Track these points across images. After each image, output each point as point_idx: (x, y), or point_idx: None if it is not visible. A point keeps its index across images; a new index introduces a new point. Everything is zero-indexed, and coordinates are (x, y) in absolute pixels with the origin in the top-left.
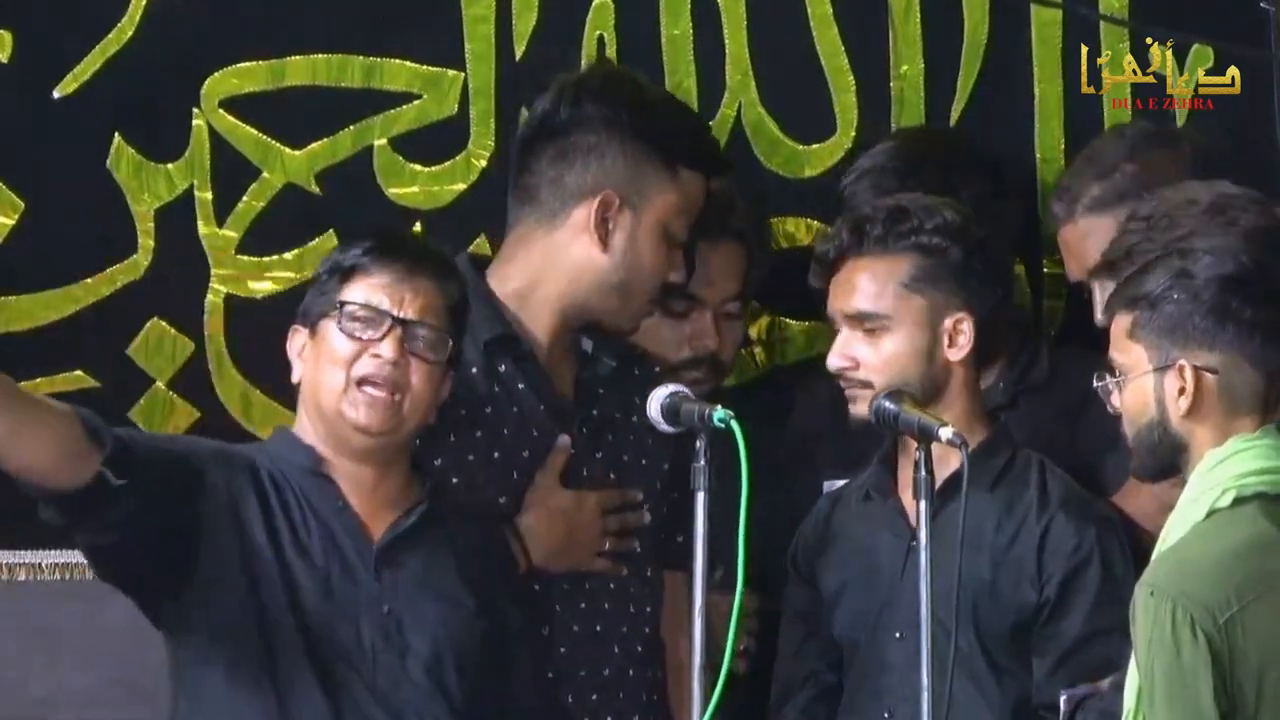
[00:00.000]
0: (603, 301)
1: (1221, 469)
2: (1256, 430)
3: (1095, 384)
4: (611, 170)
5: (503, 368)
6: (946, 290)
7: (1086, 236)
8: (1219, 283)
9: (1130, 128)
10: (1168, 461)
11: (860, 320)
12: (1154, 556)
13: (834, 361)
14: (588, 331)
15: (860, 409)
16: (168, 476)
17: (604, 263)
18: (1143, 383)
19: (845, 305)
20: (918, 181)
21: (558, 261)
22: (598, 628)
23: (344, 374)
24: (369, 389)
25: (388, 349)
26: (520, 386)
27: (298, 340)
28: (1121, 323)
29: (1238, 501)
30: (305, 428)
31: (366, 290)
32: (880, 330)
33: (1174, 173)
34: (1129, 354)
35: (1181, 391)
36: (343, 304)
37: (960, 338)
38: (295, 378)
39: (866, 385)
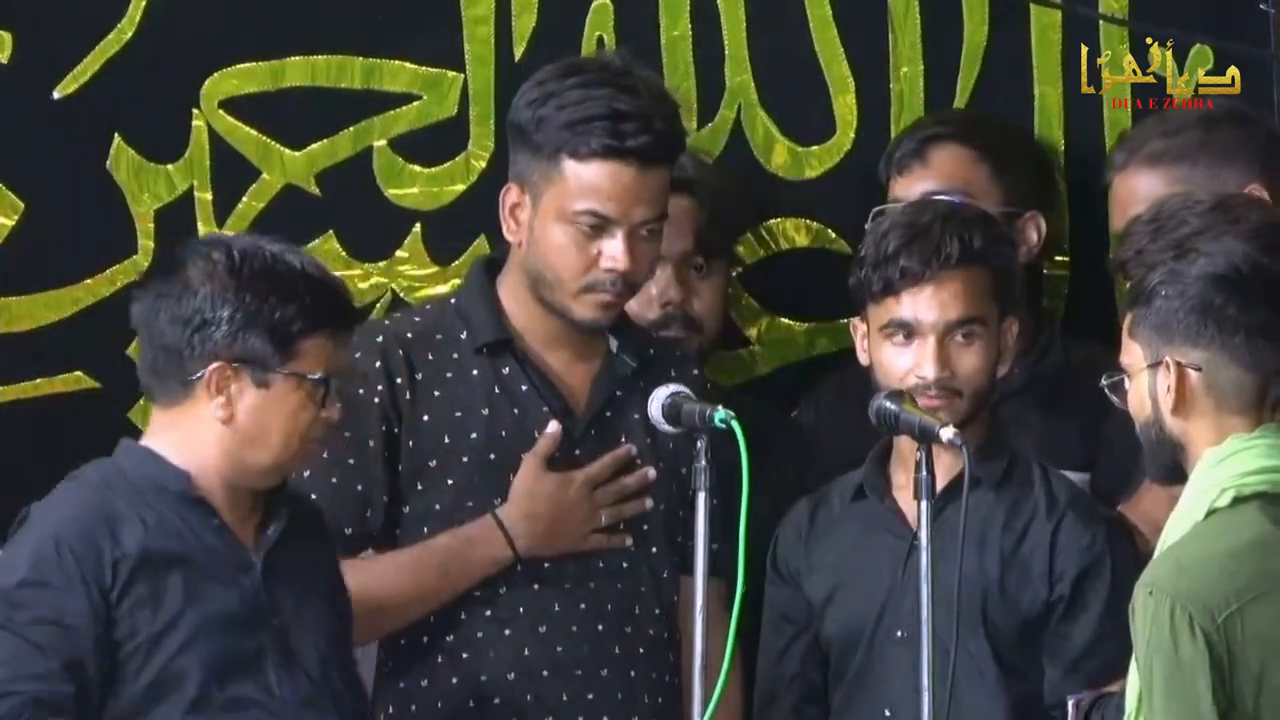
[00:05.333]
0: (538, 291)
1: (1221, 468)
2: (1253, 429)
3: (1103, 382)
4: (517, 163)
5: (506, 370)
6: (1007, 297)
7: (1136, 189)
8: (1205, 280)
9: (1215, 100)
10: (1169, 461)
11: (961, 327)
12: (1154, 556)
13: (932, 370)
14: (615, 331)
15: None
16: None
17: (522, 253)
18: (1140, 380)
19: (951, 314)
20: None
21: (512, 256)
22: (599, 626)
23: (307, 424)
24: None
25: (337, 413)
26: (523, 388)
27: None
28: (1125, 322)
29: (1237, 501)
30: (183, 450)
31: (315, 356)
32: (973, 338)
33: (1239, 152)
34: (1130, 353)
35: (1169, 388)
36: (300, 375)
37: (1009, 339)
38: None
39: (957, 394)
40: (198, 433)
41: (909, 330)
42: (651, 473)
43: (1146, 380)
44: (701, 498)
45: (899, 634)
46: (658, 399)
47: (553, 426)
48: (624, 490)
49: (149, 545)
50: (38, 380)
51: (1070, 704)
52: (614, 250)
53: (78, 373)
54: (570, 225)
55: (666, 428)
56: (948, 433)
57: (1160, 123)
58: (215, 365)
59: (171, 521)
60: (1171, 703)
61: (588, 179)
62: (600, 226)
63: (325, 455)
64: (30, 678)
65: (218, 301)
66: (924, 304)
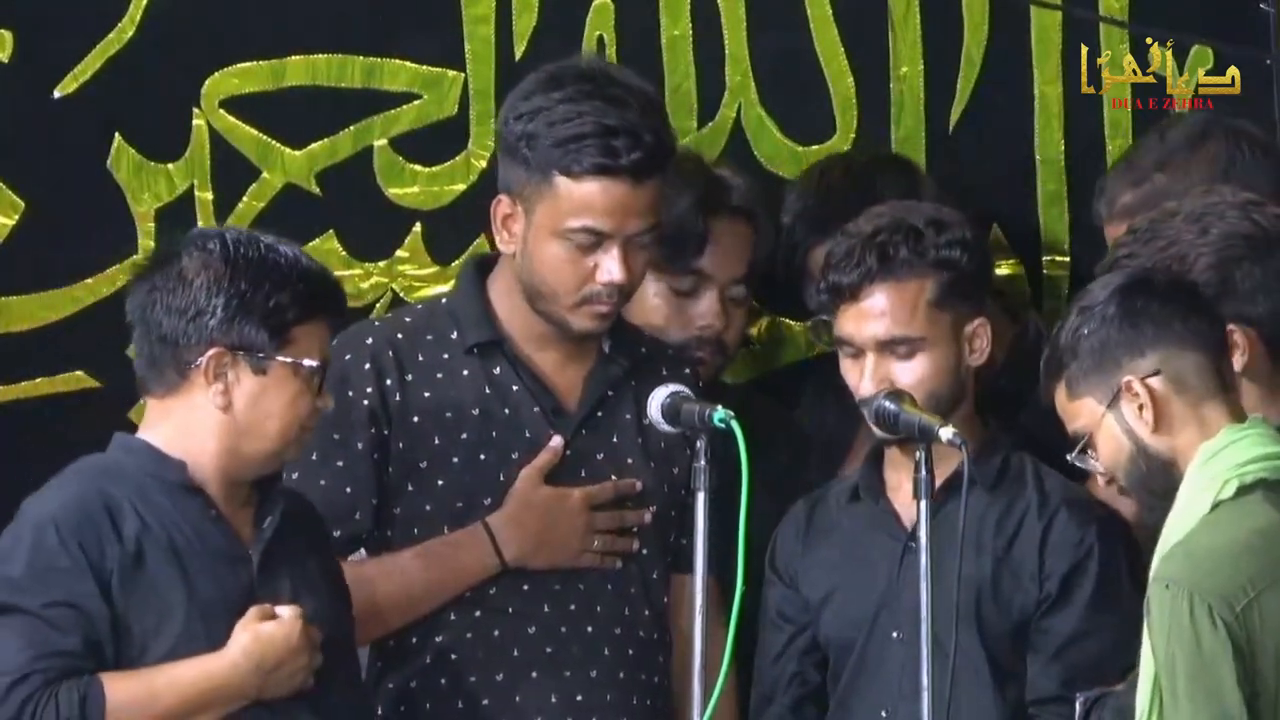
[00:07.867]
0: (533, 302)
1: (1218, 461)
2: (1230, 414)
3: (1071, 459)
4: (508, 175)
5: (497, 370)
6: (966, 300)
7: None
8: (1117, 293)
9: (1171, 130)
10: (1163, 486)
11: (894, 345)
12: (1157, 554)
13: (869, 388)
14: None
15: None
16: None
17: (515, 262)
18: (1106, 428)
19: (877, 332)
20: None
21: (505, 258)
22: (589, 628)
23: (305, 411)
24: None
25: (330, 402)
26: (514, 389)
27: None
28: (1060, 394)
29: (1241, 491)
30: (179, 440)
31: (309, 343)
32: (914, 351)
33: (1204, 175)
34: (1079, 416)
35: (1141, 408)
36: (297, 362)
37: (979, 342)
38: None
39: None
40: (194, 422)
41: (850, 346)
42: (648, 516)
43: (1114, 421)
44: (701, 498)
45: (895, 634)
46: (657, 399)
47: (555, 441)
48: (622, 522)
49: (145, 537)
50: (38, 380)
51: (1078, 701)
52: (610, 264)
53: (78, 372)
54: (565, 240)
55: (666, 428)
56: (947, 432)
57: (1127, 171)
58: (212, 351)
59: (168, 513)
60: (1197, 695)
61: (581, 196)
62: (595, 241)
63: (314, 457)
64: (54, 654)
65: (212, 290)
66: (853, 322)
